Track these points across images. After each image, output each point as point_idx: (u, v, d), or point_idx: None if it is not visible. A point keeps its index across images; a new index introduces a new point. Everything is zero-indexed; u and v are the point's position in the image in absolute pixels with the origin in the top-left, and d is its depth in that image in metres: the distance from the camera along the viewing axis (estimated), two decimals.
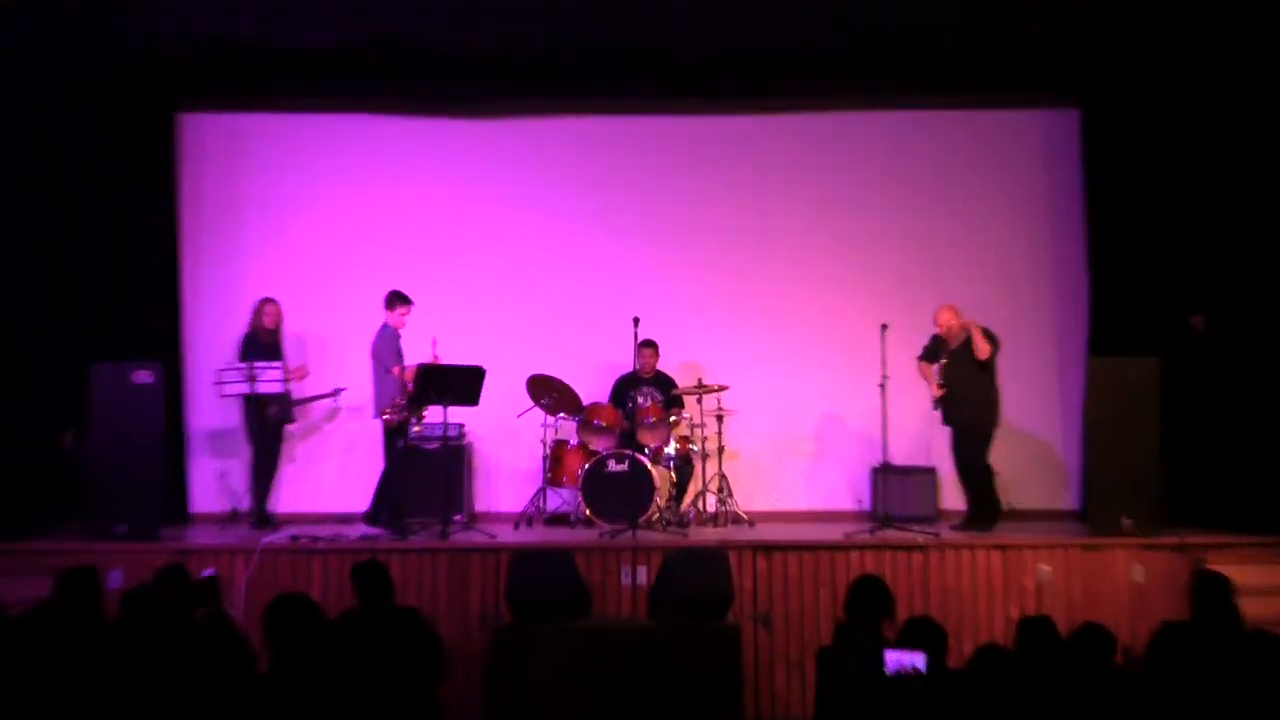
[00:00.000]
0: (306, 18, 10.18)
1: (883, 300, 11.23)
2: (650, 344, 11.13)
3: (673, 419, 10.86)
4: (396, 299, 10.50)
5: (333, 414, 11.60)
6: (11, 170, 10.37)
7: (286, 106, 11.79)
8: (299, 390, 11.12)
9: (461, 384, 10.05)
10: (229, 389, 10.46)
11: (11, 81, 10.32)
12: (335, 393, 11.23)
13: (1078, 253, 11.62)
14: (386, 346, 10.38)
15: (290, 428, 11.16)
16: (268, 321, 10.79)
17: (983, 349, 10.02)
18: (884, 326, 10.08)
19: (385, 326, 10.45)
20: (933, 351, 10.37)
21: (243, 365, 10.44)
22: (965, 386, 10.15)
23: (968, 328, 10.11)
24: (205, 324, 11.64)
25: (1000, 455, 10.71)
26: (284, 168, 11.81)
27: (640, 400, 10.92)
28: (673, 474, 10.78)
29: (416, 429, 10.33)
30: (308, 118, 11.83)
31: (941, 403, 10.21)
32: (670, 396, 11.11)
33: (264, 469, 10.78)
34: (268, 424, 10.70)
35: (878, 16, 10.10)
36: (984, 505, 10.23)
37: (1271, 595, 8.67)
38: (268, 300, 10.87)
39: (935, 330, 10.32)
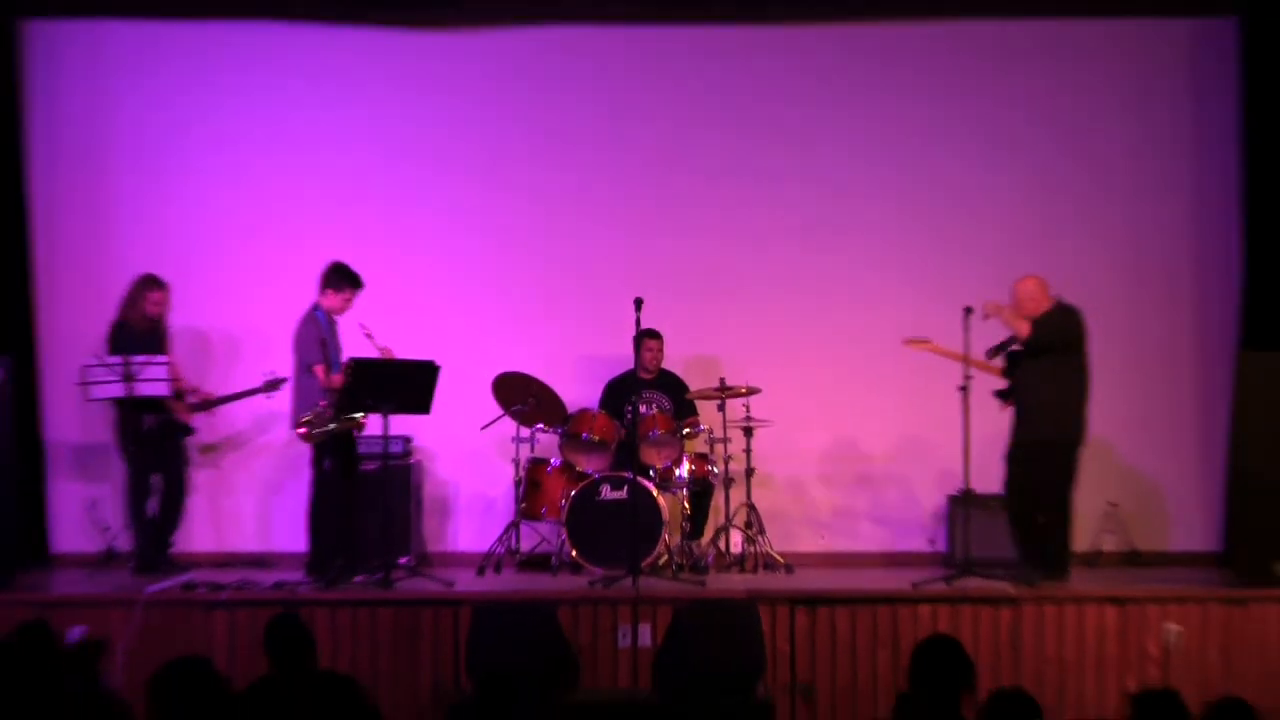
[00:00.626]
0: None
1: (966, 274, 11.23)
2: (654, 334, 11.18)
3: (686, 431, 10.92)
4: (341, 277, 10.39)
5: (250, 424, 11.66)
6: None
7: (172, 10, 11.78)
8: (219, 389, 11.25)
9: (407, 384, 10.02)
10: (97, 391, 10.51)
11: None
12: (270, 386, 10.98)
13: (1227, 211, 11.69)
14: (310, 335, 10.29)
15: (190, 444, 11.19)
16: (150, 309, 10.82)
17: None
18: (968, 310, 9.99)
19: (314, 310, 10.38)
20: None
21: (116, 360, 10.42)
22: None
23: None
24: (67, 305, 11.60)
25: (1116, 482, 11.27)
26: (171, 94, 11.79)
27: (643, 408, 10.96)
28: (686, 503, 10.81)
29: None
30: (203, 26, 11.84)
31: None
32: (682, 402, 11.14)
33: (140, 495, 10.79)
34: (144, 437, 10.75)
35: None
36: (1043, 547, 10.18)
37: None
38: (151, 283, 10.85)
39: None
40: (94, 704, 6.36)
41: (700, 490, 10.99)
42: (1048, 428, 10.04)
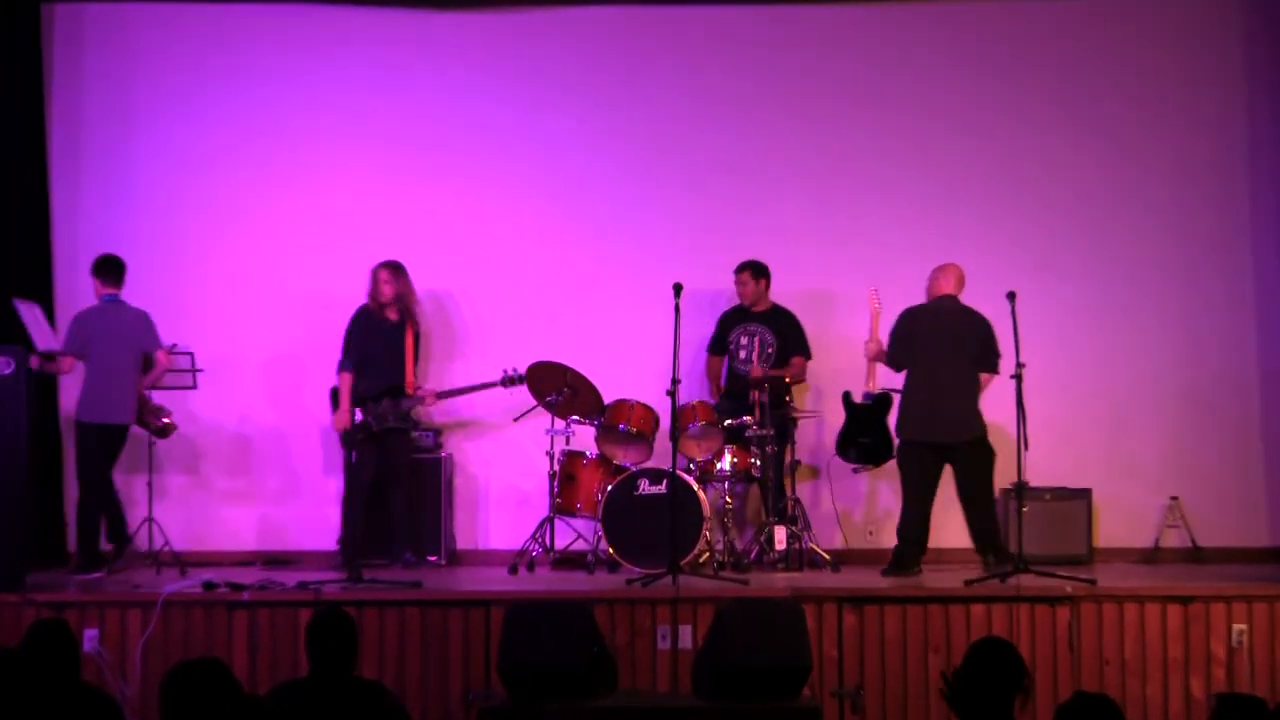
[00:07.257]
0: None
1: (1007, 260, 11.21)
2: (745, 268, 11.33)
3: (788, 379, 10.96)
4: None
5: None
6: None
7: None
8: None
9: None
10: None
11: None
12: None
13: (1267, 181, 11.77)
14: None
15: (188, 436, 11.34)
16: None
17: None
18: (1011, 295, 9.94)
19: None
20: None
21: None
22: None
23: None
24: (88, 284, 11.07)
25: (1173, 475, 11.33)
26: (193, 74, 11.89)
27: (744, 340, 11.19)
28: (728, 498, 10.77)
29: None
30: (225, 6, 11.93)
31: None
32: (789, 338, 11.23)
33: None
34: None
35: None
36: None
37: None
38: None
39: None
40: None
41: (743, 485, 10.95)
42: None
